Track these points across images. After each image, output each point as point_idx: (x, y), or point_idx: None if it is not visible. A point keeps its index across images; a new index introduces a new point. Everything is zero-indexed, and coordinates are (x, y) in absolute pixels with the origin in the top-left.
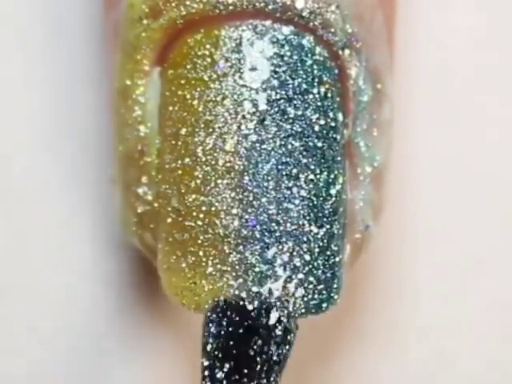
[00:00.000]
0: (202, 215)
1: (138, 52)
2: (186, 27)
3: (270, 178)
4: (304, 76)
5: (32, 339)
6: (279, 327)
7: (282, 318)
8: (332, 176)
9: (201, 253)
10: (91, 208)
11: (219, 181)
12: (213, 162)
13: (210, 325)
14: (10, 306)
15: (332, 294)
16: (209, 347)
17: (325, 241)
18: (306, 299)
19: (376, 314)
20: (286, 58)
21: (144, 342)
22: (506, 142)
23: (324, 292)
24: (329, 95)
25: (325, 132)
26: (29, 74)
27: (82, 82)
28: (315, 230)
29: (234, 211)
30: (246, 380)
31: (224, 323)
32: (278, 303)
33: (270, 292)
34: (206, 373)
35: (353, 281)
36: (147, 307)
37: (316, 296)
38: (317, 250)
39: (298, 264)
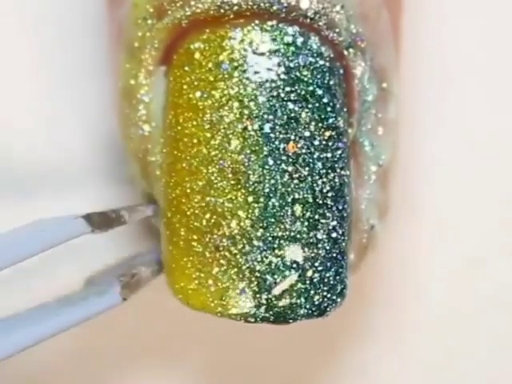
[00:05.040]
0: (207, 216)
1: (142, 52)
2: (191, 27)
3: (276, 179)
4: (309, 76)
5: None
6: None
7: None
8: (337, 177)
9: (206, 253)
10: (94, 208)
11: (225, 181)
12: (218, 163)
13: None
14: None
15: (336, 296)
16: None
17: (330, 242)
18: (310, 301)
19: (379, 313)
20: (291, 59)
21: (149, 342)
22: None
23: (328, 294)
24: (335, 95)
25: (330, 132)
26: (32, 73)
27: (86, 81)
28: (320, 231)
29: (240, 212)
30: None
31: None
32: None
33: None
34: None
35: (356, 281)
36: (153, 307)
37: (320, 298)
38: (322, 251)
39: (304, 265)
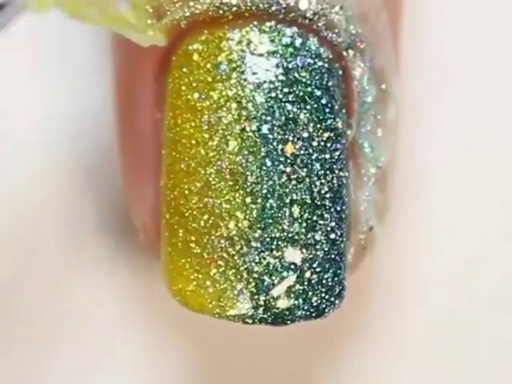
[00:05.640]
0: (205, 217)
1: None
2: (190, 28)
3: (274, 180)
4: (308, 77)
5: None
6: None
7: None
8: (336, 178)
9: (204, 254)
10: (92, 208)
11: (223, 182)
12: (216, 164)
13: None
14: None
15: (334, 297)
16: None
17: (328, 243)
18: (308, 302)
19: (378, 314)
20: (289, 60)
21: (145, 342)
22: None
23: (326, 295)
24: (333, 96)
25: (329, 133)
26: (30, 73)
27: (83, 82)
28: (318, 232)
29: (238, 213)
30: None
31: None
32: None
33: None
34: None
35: (356, 281)
36: (150, 307)
37: (318, 299)
38: (320, 252)
39: (302, 266)
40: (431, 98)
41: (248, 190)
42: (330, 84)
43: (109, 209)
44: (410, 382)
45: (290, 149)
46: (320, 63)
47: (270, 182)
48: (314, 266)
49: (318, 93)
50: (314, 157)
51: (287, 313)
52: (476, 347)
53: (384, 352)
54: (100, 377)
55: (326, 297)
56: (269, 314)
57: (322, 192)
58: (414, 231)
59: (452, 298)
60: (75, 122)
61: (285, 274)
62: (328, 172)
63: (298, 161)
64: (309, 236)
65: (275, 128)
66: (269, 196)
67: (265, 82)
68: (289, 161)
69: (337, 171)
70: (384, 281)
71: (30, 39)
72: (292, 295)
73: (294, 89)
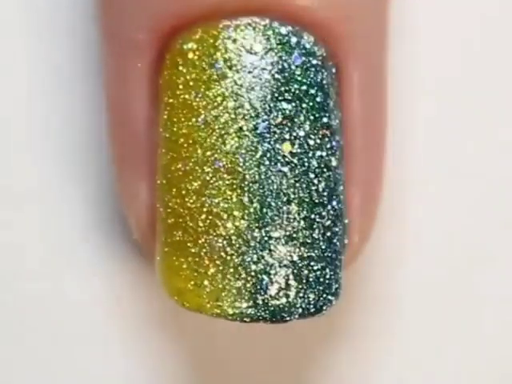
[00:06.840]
0: (203, 216)
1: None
2: (184, 26)
3: (271, 179)
4: (302, 75)
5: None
6: None
7: None
8: (332, 175)
9: (202, 254)
10: (89, 209)
11: (220, 182)
12: (213, 163)
13: None
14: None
15: (331, 295)
16: None
17: (325, 241)
18: (305, 300)
19: (374, 315)
20: (284, 58)
21: (143, 343)
22: (507, 144)
23: (324, 293)
24: (328, 94)
25: (325, 131)
26: (28, 73)
27: (80, 82)
28: (316, 230)
29: (236, 212)
30: None
31: None
32: None
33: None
34: None
35: (354, 280)
36: (146, 307)
37: (316, 297)
38: (317, 250)
39: (300, 264)
40: (426, 100)
41: (245, 189)
42: (324, 82)
43: (105, 208)
44: (409, 381)
45: (286, 147)
46: (314, 61)
47: (268, 181)
48: (312, 264)
49: (313, 91)
50: (310, 154)
51: (284, 311)
52: (476, 347)
53: (383, 352)
54: (99, 377)
55: (324, 294)
56: (267, 312)
57: (320, 189)
58: (410, 232)
59: (450, 298)
60: (73, 122)
61: (282, 272)
62: (325, 169)
63: (295, 159)
64: (306, 234)
65: (272, 126)
66: (266, 195)
67: (260, 80)
68: (286, 159)
69: (333, 168)
70: (383, 279)
71: (29, 39)
72: (289, 293)
73: (290, 87)
